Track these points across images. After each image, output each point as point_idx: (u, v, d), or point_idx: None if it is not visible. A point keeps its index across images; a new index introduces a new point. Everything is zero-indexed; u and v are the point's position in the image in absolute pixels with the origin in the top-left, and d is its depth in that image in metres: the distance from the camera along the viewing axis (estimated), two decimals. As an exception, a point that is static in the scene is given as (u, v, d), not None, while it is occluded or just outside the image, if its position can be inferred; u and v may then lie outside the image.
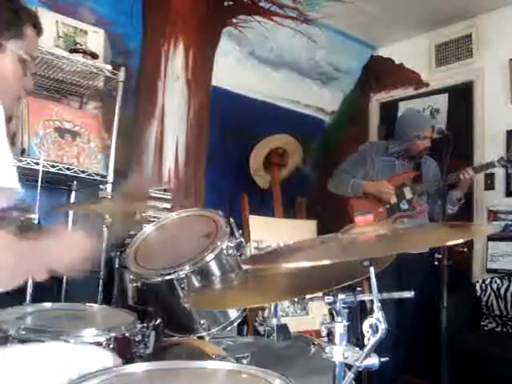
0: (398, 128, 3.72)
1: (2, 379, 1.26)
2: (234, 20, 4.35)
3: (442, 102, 4.63)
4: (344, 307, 1.24)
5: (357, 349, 1.18)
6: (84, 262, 1.38)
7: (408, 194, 3.57)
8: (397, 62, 5.07)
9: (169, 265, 2.01)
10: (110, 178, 3.06)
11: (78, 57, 3.02)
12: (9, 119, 2.63)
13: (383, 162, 3.68)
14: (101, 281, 3.00)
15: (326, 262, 1.09)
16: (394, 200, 3.54)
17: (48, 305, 2.18)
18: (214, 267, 2.03)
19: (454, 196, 3.49)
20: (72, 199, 3.36)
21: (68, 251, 1.37)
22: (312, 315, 3.97)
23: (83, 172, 2.95)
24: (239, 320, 2.10)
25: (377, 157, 3.70)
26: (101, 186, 3.06)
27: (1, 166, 1.22)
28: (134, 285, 2.12)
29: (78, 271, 1.37)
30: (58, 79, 3.21)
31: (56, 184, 3.24)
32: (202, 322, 2.00)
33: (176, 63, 4.03)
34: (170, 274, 1.97)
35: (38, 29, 1.49)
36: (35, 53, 1.50)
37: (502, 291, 3.76)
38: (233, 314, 2.08)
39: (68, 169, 2.88)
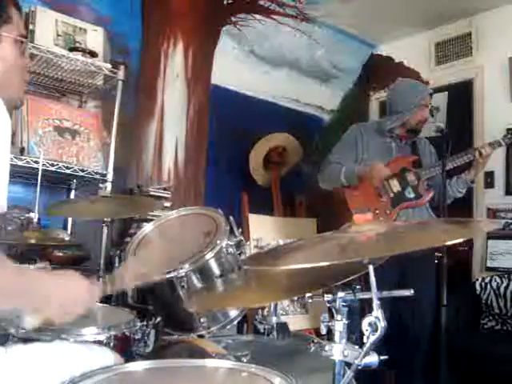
0: (393, 100, 3.35)
1: (4, 378, 1.26)
2: (234, 18, 4.35)
3: (441, 100, 4.63)
4: (343, 305, 1.24)
5: (356, 347, 1.19)
6: (73, 312, 1.29)
7: (412, 180, 3.24)
8: (396, 60, 5.07)
9: (168, 263, 2.01)
10: (110, 176, 3.07)
11: (78, 55, 3.03)
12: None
13: (378, 145, 3.31)
14: (101, 279, 3.00)
15: (325, 263, 1.09)
16: (385, 185, 3.21)
17: (48, 303, 2.18)
18: (214, 266, 2.03)
19: (467, 177, 3.23)
20: (72, 198, 3.37)
21: (63, 292, 1.27)
22: (312, 314, 3.98)
23: (83, 171, 2.95)
24: (239, 318, 2.10)
25: (369, 139, 3.33)
26: (100, 185, 3.06)
27: None
28: (134, 283, 2.12)
29: (64, 317, 1.28)
30: (57, 78, 3.21)
31: (55, 183, 3.24)
32: (201, 320, 2.01)
33: (175, 62, 4.03)
34: (169, 272, 1.97)
35: (18, 8, 1.46)
36: (24, 31, 1.49)
37: (502, 290, 3.76)
38: (232, 312, 2.08)
39: (67, 167, 2.89)
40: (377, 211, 3.19)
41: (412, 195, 3.22)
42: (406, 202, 3.22)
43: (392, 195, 3.24)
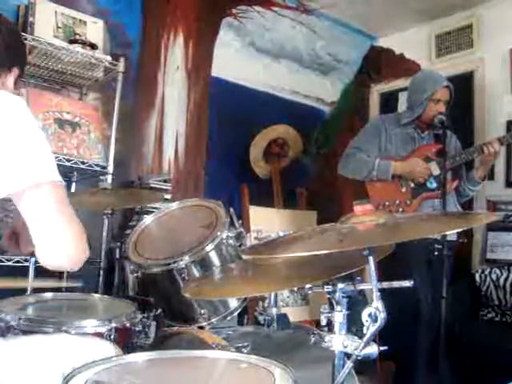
0: (408, 94, 3.35)
1: (5, 370, 1.27)
2: (234, 10, 4.34)
3: (442, 92, 4.62)
4: (343, 296, 1.24)
5: (356, 338, 1.20)
6: None
7: (435, 169, 3.15)
8: (397, 52, 5.05)
9: (169, 255, 2.02)
10: (110, 168, 3.07)
11: (78, 47, 3.02)
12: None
13: (401, 135, 3.26)
14: (101, 271, 3.01)
15: (324, 252, 1.10)
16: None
17: (49, 295, 2.19)
18: (214, 257, 2.04)
19: (475, 175, 3.20)
20: (72, 190, 3.37)
21: None
22: (312, 305, 3.99)
23: (83, 163, 2.95)
24: (239, 310, 2.11)
25: (392, 129, 3.28)
26: (101, 177, 3.06)
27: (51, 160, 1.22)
28: (135, 275, 2.13)
29: None
30: (57, 70, 3.20)
31: (56, 175, 3.23)
32: (202, 311, 2.02)
33: (176, 53, 4.02)
34: (170, 264, 1.98)
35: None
36: None
37: (502, 281, 3.76)
38: (233, 303, 2.09)
39: (68, 160, 2.88)
40: (397, 202, 3.18)
41: (434, 185, 3.16)
42: (427, 192, 3.18)
43: (413, 186, 3.20)
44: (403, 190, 3.21)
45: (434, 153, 3.22)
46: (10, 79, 1.44)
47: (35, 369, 1.32)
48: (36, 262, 2.45)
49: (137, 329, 1.97)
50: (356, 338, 1.20)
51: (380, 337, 1.17)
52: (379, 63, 5.18)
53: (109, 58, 3.16)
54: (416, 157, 3.21)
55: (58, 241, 1.18)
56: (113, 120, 3.15)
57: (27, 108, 1.23)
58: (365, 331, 1.14)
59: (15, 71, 1.45)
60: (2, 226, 2.40)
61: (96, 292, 2.75)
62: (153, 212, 2.44)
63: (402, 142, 3.27)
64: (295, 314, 3.77)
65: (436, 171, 3.17)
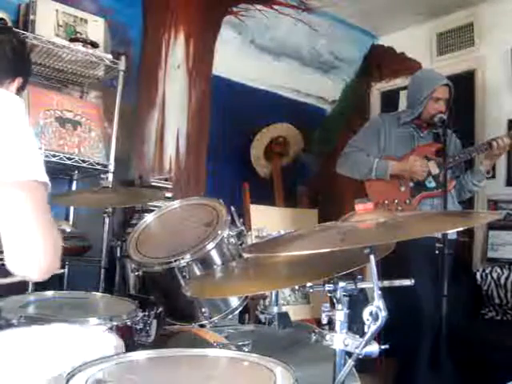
0: (408, 93, 3.34)
1: (5, 363, 1.27)
2: (235, 9, 4.34)
3: (443, 90, 4.61)
4: (344, 295, 1.24)
5: (357, 336, 1.20)
6: None
7: (434, 169, 3.16)
8: (398, 50, 5.05)
9: (170, 253, 2.02)
10: (111, 167, 3.07)
11: (79, 46, 3.02)
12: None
13: (400, 134, 3.26)
14: (103, 270, 3.01)
15: (325, 250, 1.10)
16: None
17: (50, 293, 2.20)
18: (215, 256, 2.04)
19: (481, 168, 3.20)
20: (73, 188, 3.37)
21: None
22: (313, 303, 3.99)
23: (84, 161, 2.95)
24: (240, 308, 2.11)
25: (391, 129, 3.27)
26: (102, 176, 3.06)
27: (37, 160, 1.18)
28: (136, 273, 2.13)
29: None
30: (58, 68, 3.20)
31: (57, 174, 3.24)
32: (203, 310, 2.01)
33: (176, 52, 4.02)
34: (171, 262, 1.98)
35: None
36: None
37: (502, 280, 3.76)
38: (234, 302, 2.09)
39: (69, 158, 2.89)
40: (396, 201, 3.18)
41: (433, 185, 3.17)
42: (426, 191, 3.18)
43: (412, 185, 3.20)
44: (402, 189, 3.21)
45: (434, 152, 3.22)
46: (12, 88, 1.50)
47: (40, 359, 1.32)
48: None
49: (138, 327, 1.97)
50: (357, 336, 1.20)
51: (381, 335, 1.17)
52: (380, 62, 5.18)
53: (110, 56, 3.16)
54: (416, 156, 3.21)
55: (31, 250, 1.12)
56: (114, 118, 3.15)
57: (23, 107, 1.23)
58: (366, 330, 1.14)
59: (19, 81, 1.52)
60: None
61: (97, 290, 2.75)
62: (154, 210, 2.44)
63: (402, 141, 3.27)
64: (296, 313, 3.77)
65: (435, 170, 3.18)
